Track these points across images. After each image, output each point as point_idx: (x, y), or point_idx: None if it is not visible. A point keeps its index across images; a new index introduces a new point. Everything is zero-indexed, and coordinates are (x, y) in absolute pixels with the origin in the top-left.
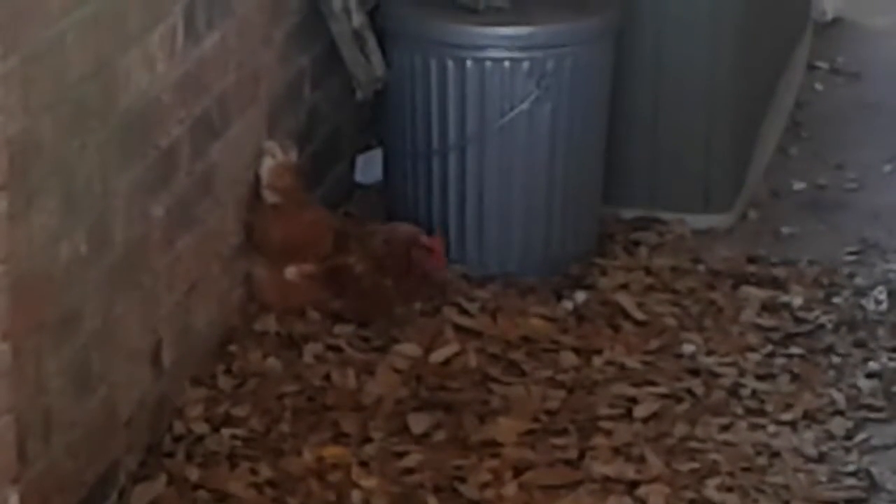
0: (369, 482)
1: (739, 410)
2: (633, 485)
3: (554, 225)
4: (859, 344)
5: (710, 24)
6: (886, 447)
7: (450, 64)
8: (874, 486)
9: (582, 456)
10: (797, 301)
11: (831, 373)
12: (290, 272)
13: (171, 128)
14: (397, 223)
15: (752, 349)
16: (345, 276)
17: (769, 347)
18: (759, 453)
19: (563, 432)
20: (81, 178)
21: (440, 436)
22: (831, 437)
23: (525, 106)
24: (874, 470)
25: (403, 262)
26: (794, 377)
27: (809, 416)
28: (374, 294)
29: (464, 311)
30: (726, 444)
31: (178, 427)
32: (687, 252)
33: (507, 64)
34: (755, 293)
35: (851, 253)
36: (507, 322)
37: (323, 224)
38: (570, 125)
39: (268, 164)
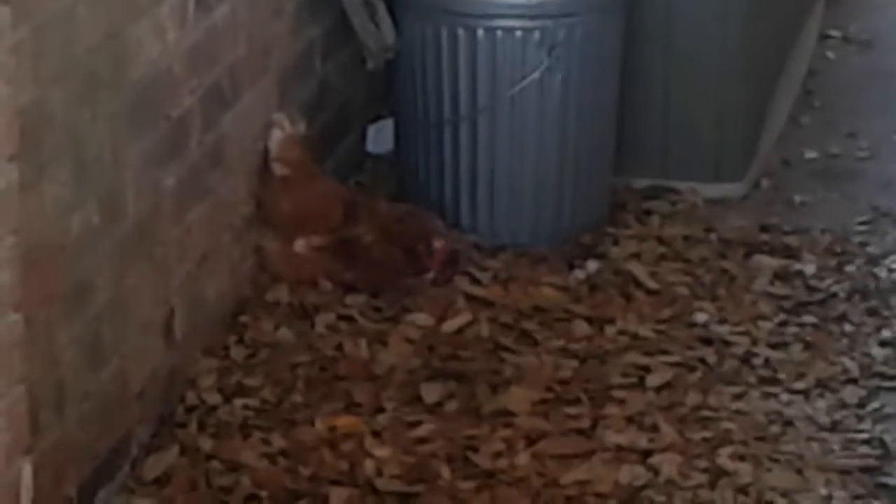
0: (382, 452)
1: (752, 379)
2: (646, 454)
3: (565, 194)
4: (872, 312)
5: None
6: None
7: (461, 33)
8: (887, 453)
9: (595, 425)
10: (810, 269)
11: (844, 341)
12: (300, 245)
13: (182, 98)
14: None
15: (765, 318)
16: (354, 248)
17: (782, 316)
18: (771, 422)
19: (576, 401)
20: (92, 149)
21: (453, 405)
22: (844, 405)
23: (536, 75)
24: (887, 438)
25: (408, 242)
26: (807, 346)
27: (822, 385)
28: (384, 264)
29: (476, 281)
30: (739, 412)
31: (191, 398)
32: (699, 221)
33: (518, 33)
34: (768, 262)
35: (864, 222)
36: (520, 292)
37: (332, 196)
38: (581, 94)
39: (276, 136)
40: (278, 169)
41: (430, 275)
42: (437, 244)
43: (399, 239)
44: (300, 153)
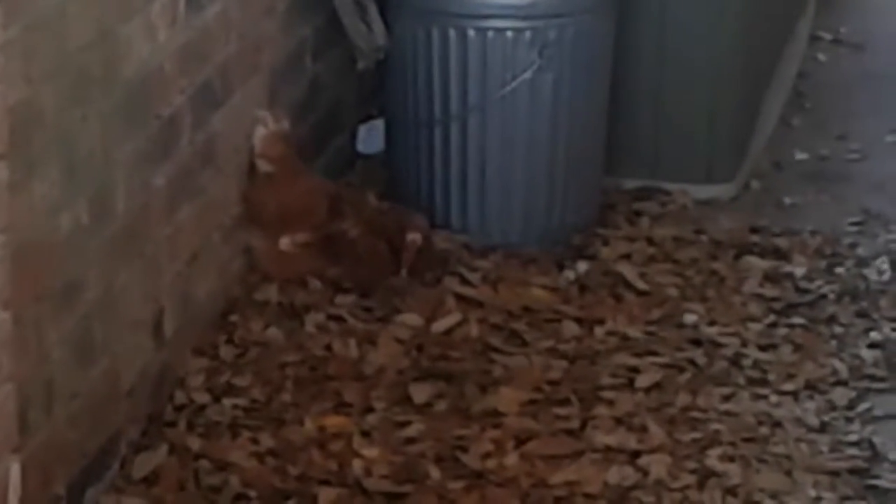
0: (371, 452)
1: (741, 380)
2: (635, 454)
3: (556, 195)
4: (861, 314)
5: None
6: (888, 417)
7: (452, 33)
8: (876, 455)
9: (584, 426)
10: (799, 271)
11: (833, 343)
12: (285, 242)
13: (173, 97)
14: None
15: (755, 319)
16: (340, 243)
17: (771, 317)
18: (760, 423)
19: (565, 402)
20: (83, 148)
21: (442, 406)
22: (833, 407)
23: (527, 76)
24: (876, 440)
25: (388, 236)
26: (797, 347)
27: (811, 387)
28: (369, 259)
29: (465, 281)
30: (728, 413)
31: (180, 397)
32: (689, 222)
33: (509, 33)
34: (757, 263)
35: (854, 223)
36: (509, 292)
37: (317, 192)
38: (572, 95)
39: (260, 133)
40: (262, 166)
41: (403, 271)
42: (411, 237)
43: (382, 232)
44: (284, 150)
